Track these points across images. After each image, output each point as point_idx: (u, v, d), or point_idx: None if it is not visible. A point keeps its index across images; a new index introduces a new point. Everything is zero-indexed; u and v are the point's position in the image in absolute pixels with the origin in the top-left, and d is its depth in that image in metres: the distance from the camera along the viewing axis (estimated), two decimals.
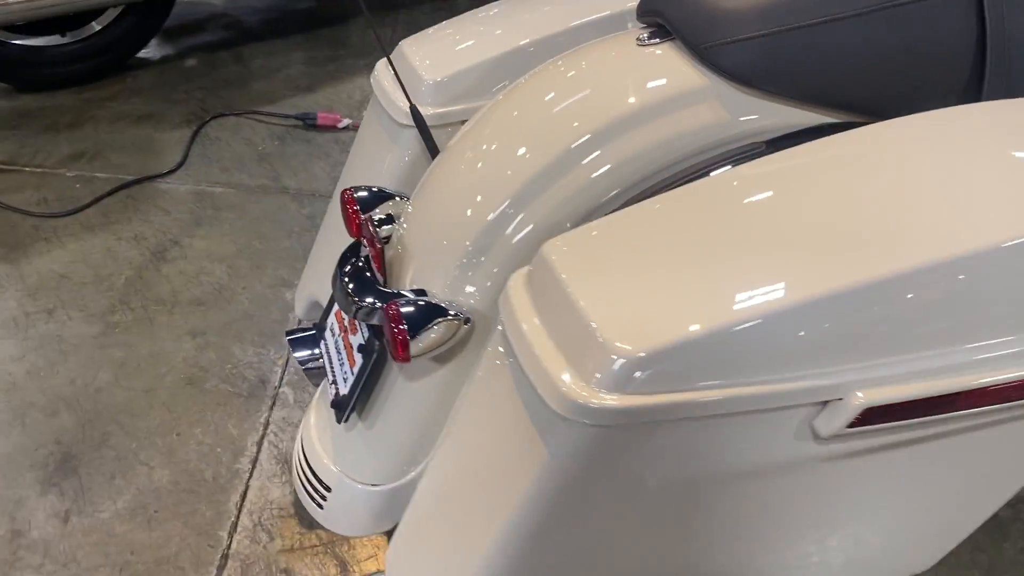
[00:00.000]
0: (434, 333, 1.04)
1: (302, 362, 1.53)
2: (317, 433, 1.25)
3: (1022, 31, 1.09)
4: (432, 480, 1.06)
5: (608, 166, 1.08)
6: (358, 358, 1.16)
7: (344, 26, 3.24)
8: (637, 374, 0.80)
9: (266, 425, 1.75)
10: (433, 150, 1.31)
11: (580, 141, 1.08)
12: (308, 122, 2.64)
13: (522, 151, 1.12)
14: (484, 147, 1.17)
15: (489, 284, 1.11)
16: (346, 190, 1.23)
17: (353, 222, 1.23)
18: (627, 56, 1.17)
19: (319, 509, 1.24)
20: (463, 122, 1.35)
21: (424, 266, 1.13)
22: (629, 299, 0.85)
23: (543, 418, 0.86)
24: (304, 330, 1.56)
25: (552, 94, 1.16)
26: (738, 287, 0.84)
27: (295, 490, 1.40)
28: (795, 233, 0.89)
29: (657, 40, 1.16)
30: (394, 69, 1.30)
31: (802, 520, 1.04)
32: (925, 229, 0.87)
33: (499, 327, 0.96)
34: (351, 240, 1.25)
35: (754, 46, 1.06)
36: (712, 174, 1.09)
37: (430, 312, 1.04)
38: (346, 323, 1.23)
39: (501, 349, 0.95)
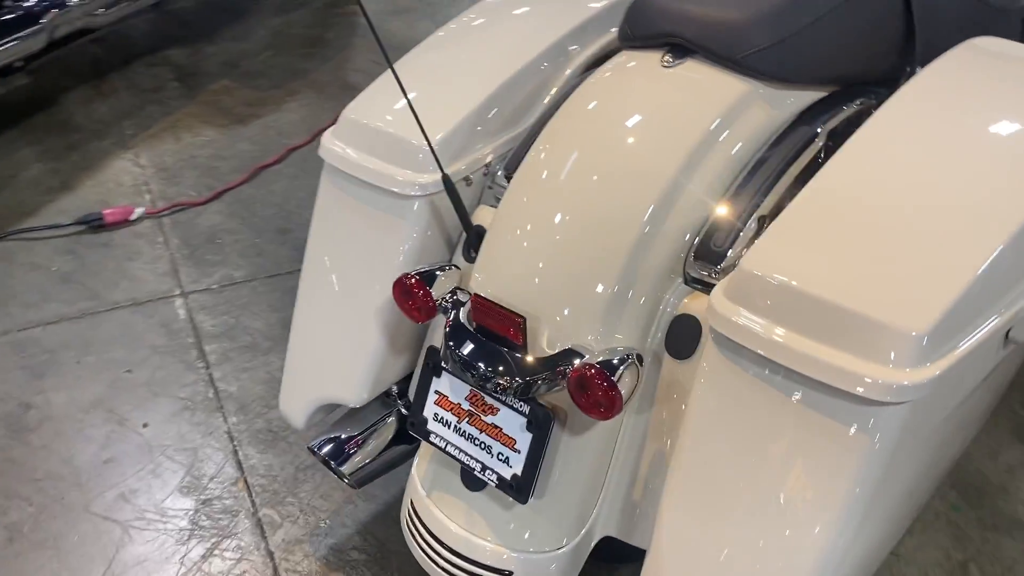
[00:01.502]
0: (626, 381, 1.03)
1: (348, 471, 1.41)
2: (469, 531, 1.17)
3: None
4: (687, 508, 1.05)
5: (705, 182, 1.15)
6: (523, 436, 1.11)
7: (60, 106, 2.82)
8: (932, 343, 0.90)
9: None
10: (465, 215, 1.25)
11: (678, 168, 1.13)
12: (94, 224, 2.30)
13: (630, 189, 1.12)
14: (579, 193, 1.15)
15: (640, 320, 1.12)
16: (404, 276, 1.18)
17: (423, 307, 1.17)
18: (667, 81, 1.22)
19: None
20: (465, 179, 1.31)
21: (563, 324, 1.10)
22: (867, 281, 0.94)
23: (854, 412, 0.92)
24: (333, 438, 1.43)
25: (621, 132, 1.18)
26: (943, 251, 0.97)
27: None
28: (944, 195, 1.04)
29: (681, 59, 1.23)
30: (427, 139, 1.20)
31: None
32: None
33: (726, 357, 1.00)
34: (351, 325, 1.28)
35: (779, 49, 1.20)
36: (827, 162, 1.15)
37: (611, 364, 1.03)
38: (468, 408, 1.16)
39: (746, 373, 0.98)
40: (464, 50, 1.43)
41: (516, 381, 1.07)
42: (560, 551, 1.15)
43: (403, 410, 1.46)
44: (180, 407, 1.86)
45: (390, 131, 1.28)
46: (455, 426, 1.18)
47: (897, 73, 1.34)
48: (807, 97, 1.26)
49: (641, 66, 1.25)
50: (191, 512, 1.66)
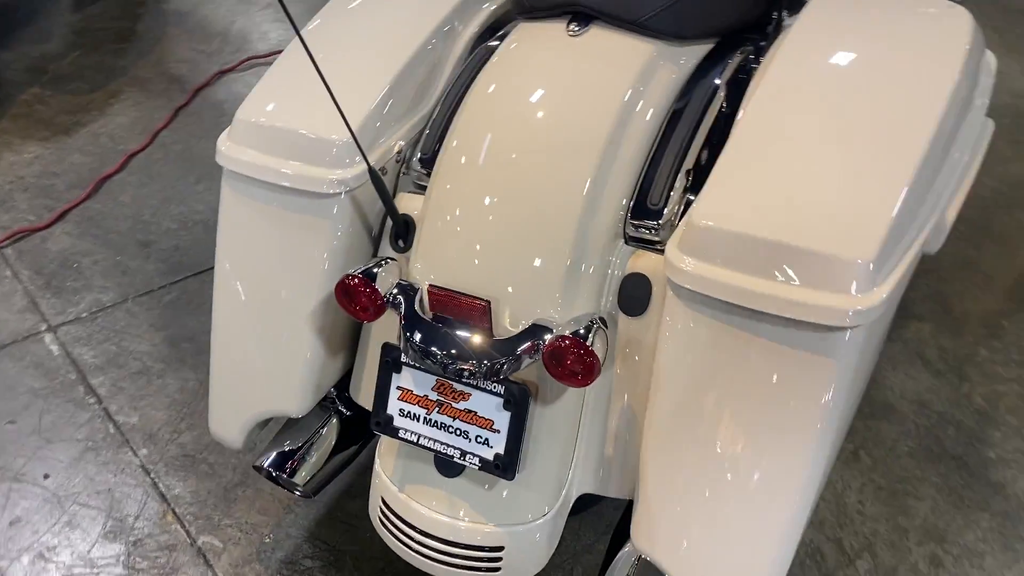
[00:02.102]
0: (599, 346, 1.05)
1: (301, 482, 1.37)
2: (453, 516, 1.17)
3: None
4: (671, 455, 1.09)
5: (632, 145, 1.18)
6: (501, 415, 1.11)
7: None
8: (880, 266, 0.97)
9: None
10: (392, 206, 1.22)
11: (607, 136, 1.15)
12: None
13: (567, 161, 1.14)
14: (515, 171, 1.15)
15: (594, 286, 1.14)
16: (346, 278, 1.14)
17: (371, 305, 1.15)
18: (578, 49, 1.24)
19: (495, 575, 1.19)
20: (380, 169, 1.26)
21: (523, 301, 1.11)
22: (810, 218, 1.00)
23: (827, 342, 0.98)
24: (279, 453, 1.38)
25: (546, 105, 1.19)
26: (868, 179, 1.05)
27: None
28: (854, 127, 1.11)
29: (585, 27, 1.24)
30: (351, 130, 1.14)
31: None
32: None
33: (689, 308, 1.05)
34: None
35: (675, 8, 1.24)
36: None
37: (581, 332, 1.05)
38: (436, 398, 1.15)
39: (711, 320, 1.03)
40: (351, 40, 1.37)
41: (489, 364, 1.07)
42: (545, 518, 1.17)
43: (343, 410, 1.43)
44: (81, 449, 1.73)
45: (298, 129, 1.22)
46: (424, 418, 1.16)
47: (765, 19, 1.40)
48: (699, 51, 1.31)
49: (548, 36, 1.26)
50: (124, 556, 1.56)
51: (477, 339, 1.09)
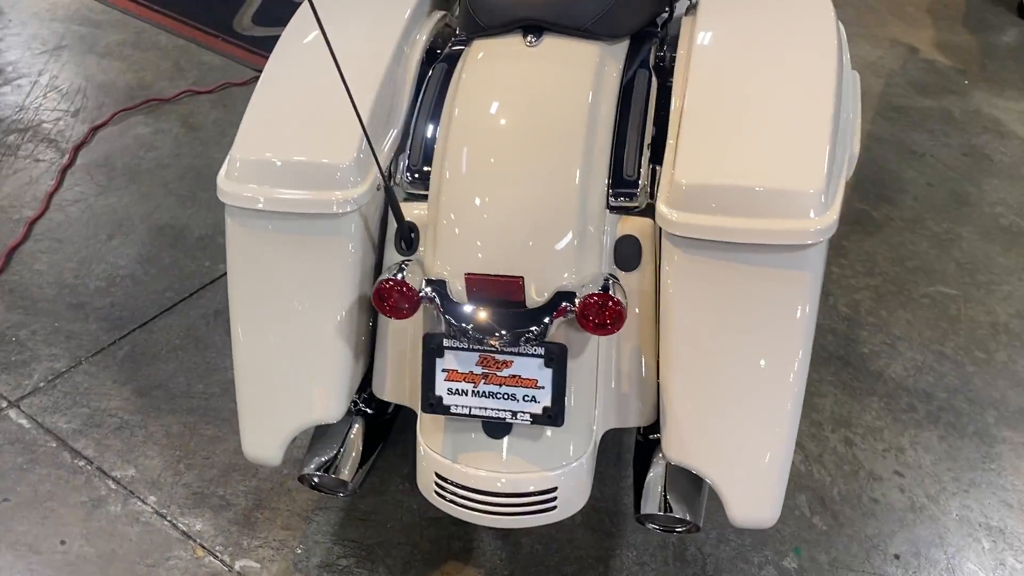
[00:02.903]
0: (620, 297, 1.27)
1: (351, 487, 1.52)
2: (510, 471, 1.35)
3: None
4: (690, 376, 1.34)
5: (603, 130, 1.43)
6: (543, 373, 1.31)
7: None
8: (828, 193, 1.27)
9: None
10: (400, 214, 1.39)
11: (586, 125, 1.39)
12: None
13: (558, 152, 1.36)
14: (514, 166, 1.36)
15: (596, 251, 1.37)
16: (383, 283, 1.30)
17: (409, 303, 1.31)
18: (540, 57, 1.46)
19: (553, 512, 1.38)
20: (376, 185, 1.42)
21: (544, 274, 1.31)
22: (765, 164, 1.29)
23: (798, 258, 1.27)
24: (320, 463, 1.51)
25: (528, 106, 1.41)
26: (803, 123, 1.36)
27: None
28: (778, 82, 1.42)
29: (540, 38, 1.47)
30: (372, 147, 1.32)
31: None
32: None
33: (686, 253, 1.30)
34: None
35: (611, 12, 1.49)
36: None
37: (606, 288, 1.27)
38: (481, 371, 1.33)
39: (706, 259, 1.29)
40: (319, 70, 1.51)
41: (533, 330, 1.28)
42: (584, 455, 1.39)
43: (366, 409, 1.59)
44: (88, 509, 1.78)
45: (302, 158, 1.36)
46: (473, 391, 1.34)
47: (659, 12, 1.68)
48: (624, 46, 1.56)
49: (509, 50, 1.48)
50: None
51: (516, 312, 1.30)
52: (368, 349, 1.51)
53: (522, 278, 1.30)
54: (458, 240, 1.35)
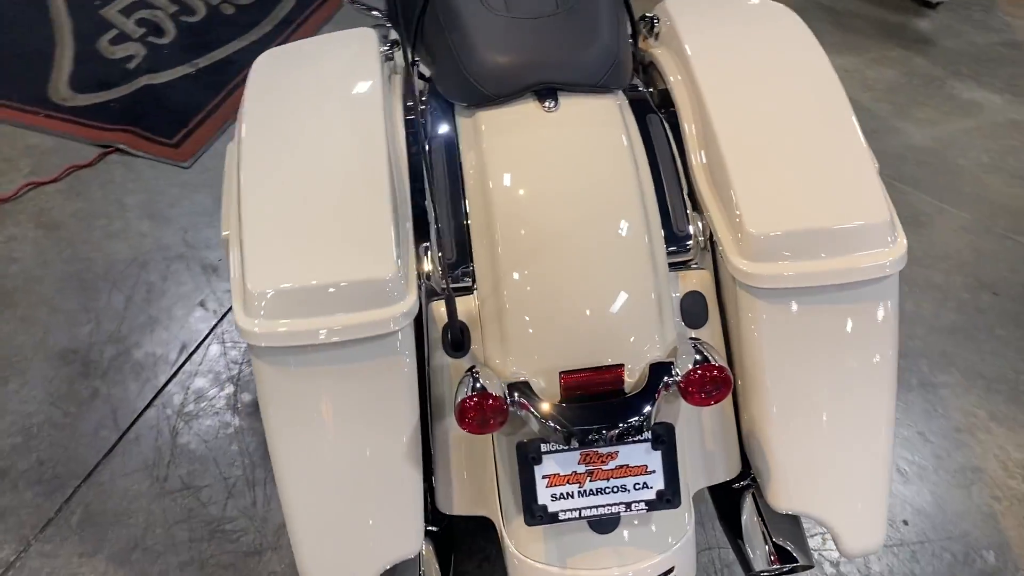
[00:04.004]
0: (718, 360, 1.18)
1: None
2: (625, 564, 1.24)
3: None
4: (790, 424, 1.27)
5: (646, 185, 1.32)
6: (652, 456, 1.20)
7: None
8: (893, 219, 1.24)
9: None
10: (456, 319, 1.25)
11: (634, 184, 1.28)
12: None
13: (616, 220, 1.25)
14: (572, 243, 1.23)
15: (670, 313, 1.27)
16: (466, 401, 1.14)
17: (499, 413, 1.16)
18: (564, 121, 1.33)
19: None
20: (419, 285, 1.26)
21: (634, 352, 1.20)
22: (827, 200, 1.23)
23: (881, 288, 1.24)
24: None
25: (571, 177, 1.27)
26: (837, 152, 1.31)
27: None
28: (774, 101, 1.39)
29: (556, 100, 1.34)
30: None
31: None
32: None
33: (770, 301, 1.23)
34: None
35: (618, 64, 1.39)
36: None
37: (703, 355, 1.17)
38: (586, 470, 1.21)
39: (791, 303, 1.24)
40: (307, 163, 1.31)
41: (639, 419, 1.16)
42: (690, 525, 1.30)
43: (431, 529, 1.42)
44: None
45: (340, 280, 1.16)
46: (579, 492, 1.22)
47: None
48: (623, 95, 1.45)
49: (529, 118, 1.33)
50: None
51: (619, 400, 1.18)
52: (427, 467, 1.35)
53: (622, 365, 1.18)
54: (536, 335, 1.21)
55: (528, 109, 1.35)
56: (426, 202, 1.37)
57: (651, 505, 1.23)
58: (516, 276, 1.23)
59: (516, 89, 1.35)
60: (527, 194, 1.27)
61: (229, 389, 2.00)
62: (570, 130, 1.33)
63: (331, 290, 1.17)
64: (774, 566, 1.35)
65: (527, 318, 1.21)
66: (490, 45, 1.37)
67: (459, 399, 1.15)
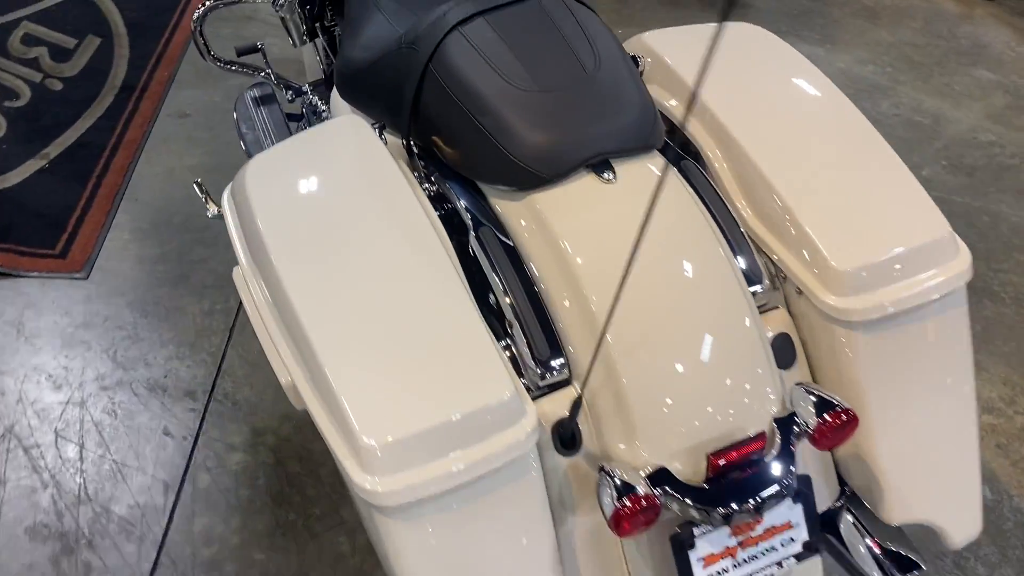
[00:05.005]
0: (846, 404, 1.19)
1: None
2: None
3: None
4: (895, 439, 1.30)
5: (719, 235, 1.28)
6: (794, 510, 1.20)
7: None
8: (953, 233, 1.28)
9: None
10: (575, 419, 1.17)
11: (715, 241, 1.25)
12: None
13: (712, 284, 1.21)
14: (681, 317, 1.18)
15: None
16: (620, 510, 1.07)
17: (653, 509, 1.10)
18: (626, 191, 1.26)
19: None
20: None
21: (759, 412, 1.18)
22: (895, 222, 1.26)
23: (955, 297, 1.28)
24: None
25: (656, 250, 1.21)
26: (881, 176, 1.33)
27: None
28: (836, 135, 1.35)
29: (612, 171, 1.27)
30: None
31: None
32: None
33: (872, 331, 1.24)
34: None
35: (658, 124, 1.34)
36: None
37: (823, 400, 1.17)
38: (736, 541, 1.19)
39: (891, 330, 1.26)
40: (372, 286, 1.18)
41: (785, 482, 1.14)
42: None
43: None
44: None
45: (460, 413, 1.05)
46: (734, 564, 1.19)
47: None
48: None
49: (592, 195, 1.26)
50: None
51: (763, 467, 1.14)
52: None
53: (764, 432, 1.15)
54: (666, 419, 1.15)
55: (586, 184, 1.27)
56: (495, 297, 1.27)
57: (800, 557, 1.23)
58: (631, 360, 1.16)
59: (572, 167, 1.27)
60: (614, 280, 1.21)
61: (236, 519, 1.80)
62: (642, 200, 1.27)
63: (453, 426, 1.05)
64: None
65: (653, 402, 1.16)
66: (534, 125, 1.27)
67: (609, 505, 1.08)
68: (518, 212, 1.30)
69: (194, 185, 2.53)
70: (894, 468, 1.32)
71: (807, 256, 1.26)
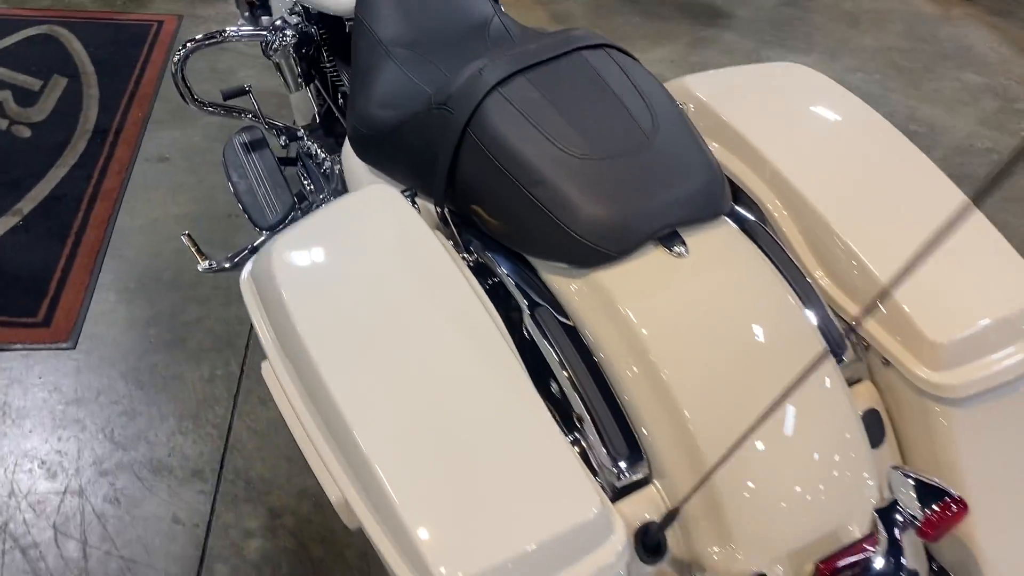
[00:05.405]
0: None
1: None
2: None
3: None
4: (1001, 521, 1.20)
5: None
6: None
7: None
8: None
9: None
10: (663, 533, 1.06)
11: (802, 313, 1.14)
12: None
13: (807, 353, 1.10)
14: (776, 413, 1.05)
15: None
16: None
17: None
18: (700, 263, 1.15)
19: None
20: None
21: (864, 509, 1.08)
22: (985, 281, 1.16)
23: None
24: None
25: (743, 330, 1.11)
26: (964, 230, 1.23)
27: None
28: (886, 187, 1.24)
29: (682, 242, 1.16)
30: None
31: None
32: None
33: (966, 408, 1.14)
34: None
35: (726, 185, 1.23)
36: None
37: (925, 486, 1.06)
38: None
39: (991, 403, 1.16)
40: (433, 389, 1.05)
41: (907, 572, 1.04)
42: None
43: None
44: None
45: (546, 538, 0.93)
46: None
47: None
48: None
49: (666, 273, 1.14)
50: None
51: (871, 567, 1.03)
52: None
53: (874, 532, 1.04)
54: (768, 522, 1.03)
55: (655, 259, 1.15)
56: (556, 386, 1.14)
57: None
58: (729, 471, 1.04)
59: (641, 242, 1.14)
60: (708, 361, 1.08)
61: None
62: (718, 275, 1.15)
63: (535, 555, 0.92)
64: None
65: (749, 500, 1.04)
66: (596, 197, 1.14)
67: None
68: (578, 290, 1.17)
69: (182, 238, 2.37)
70: (992, 546, 1.21)
71: (896, 325, 1.15)
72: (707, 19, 3.84)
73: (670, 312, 1.11)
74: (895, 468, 1.10)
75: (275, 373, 1.18)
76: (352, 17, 1.71)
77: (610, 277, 1.14)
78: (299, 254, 1.22)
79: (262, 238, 2.37)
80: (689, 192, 1.17)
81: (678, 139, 1.22)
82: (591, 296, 1.15)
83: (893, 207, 1.25)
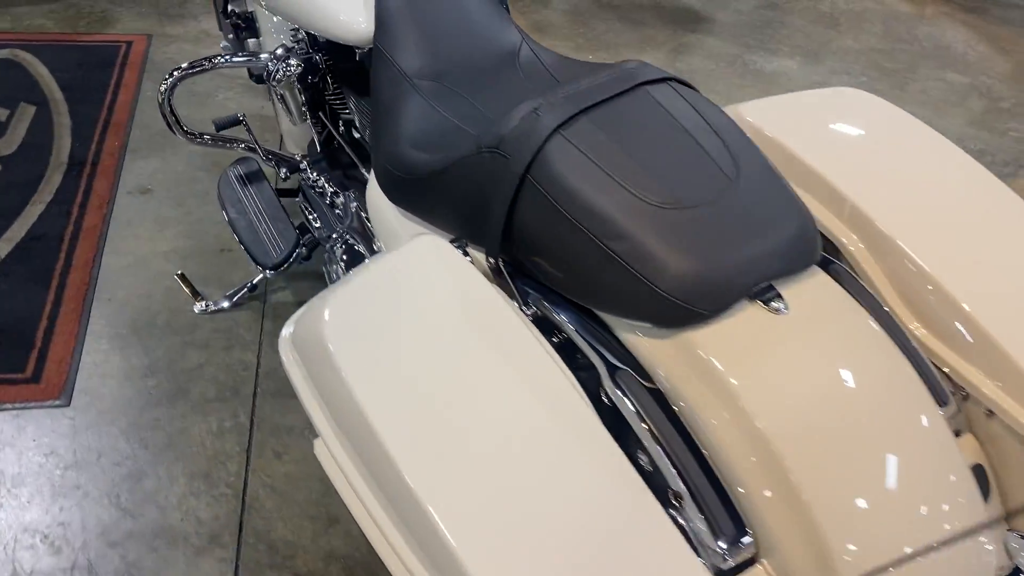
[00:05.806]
0: None
1: None
2: None
3: None
4: None
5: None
6: None
7: None
8: None
9: None
10: None
11: (899, 353, 1.07)
12: None
13: (915, 410, 1.03)
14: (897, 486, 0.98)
15: None
16: None
17: None
18: (802, 318, 1.06)
19: None
20: None
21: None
22: None
23: None
24: None
25: (852, 390, 1.02)
26: None
27: None
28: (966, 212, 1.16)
29: (779, 296, 1.06)
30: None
31: None
32: None
33: None
34: None
35: (818, 231, 1.14)
36: None
37: None
38: None
39: None
40: (515, 466, 0.94)
41: None
42: None
43: None
44: None
45: None
46: None
47: None
48: None
49: (764, 328, 1.04)
50: None
51: None
52: None
53: None
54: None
55: (753, 317, 1.05)
56: (647, 457, 1.04)
57: None
58: (843, 529, 0.95)
59: (736, 299, 1.04)
60: (820, 429, 0.99)
61: None
62: (823, 333, 1.05)
63: None
64: None
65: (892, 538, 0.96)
66: (684, 250, 1.03)
67: None
68: (666, 352, 1.06)
69: (176, 277, 2.21)
70: None
71: (1000, 372, 1.07)
72: (688, 24, 3.76)
73: (776, 376, 1.02)
74: (1012, 531, 1.02)
75: (330, 451, 1.06)
76: (367, 46, 1.59)
77: (704, 338, 1.04)
78: (351, 316, 1.09)
79: (260, 276, 2.22)
80: (782, 241, 1.07)
81: (762, 181, 1.12)
82: (682, 359, 1.05)
83: (983, 245, 1.17)
